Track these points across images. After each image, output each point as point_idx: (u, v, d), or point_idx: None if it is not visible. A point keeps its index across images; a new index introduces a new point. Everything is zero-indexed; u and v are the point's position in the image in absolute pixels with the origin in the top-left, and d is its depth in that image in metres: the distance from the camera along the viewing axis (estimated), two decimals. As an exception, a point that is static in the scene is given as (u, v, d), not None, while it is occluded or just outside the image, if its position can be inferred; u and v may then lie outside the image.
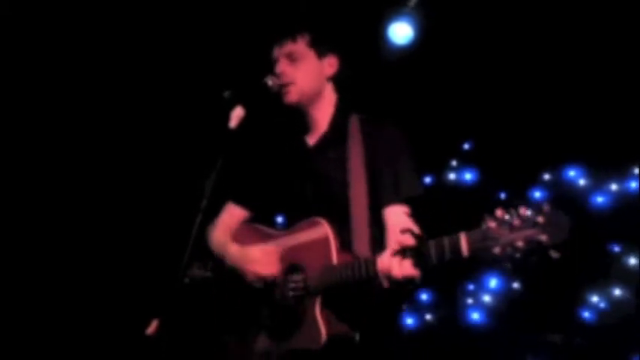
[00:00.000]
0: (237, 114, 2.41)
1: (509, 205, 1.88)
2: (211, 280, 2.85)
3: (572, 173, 4.86)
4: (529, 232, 1.82)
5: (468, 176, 5.26)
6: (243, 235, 2.75)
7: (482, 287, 5.03)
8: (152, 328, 2.14)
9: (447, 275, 5.01)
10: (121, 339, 3.89)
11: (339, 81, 2.73)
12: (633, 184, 4.63)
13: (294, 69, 2.62)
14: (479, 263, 1.97)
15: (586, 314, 4.64)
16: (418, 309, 5.22)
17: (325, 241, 2.39)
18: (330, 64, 2.69)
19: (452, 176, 5.32)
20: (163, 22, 4.44)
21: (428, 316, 5.20)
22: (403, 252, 2.12)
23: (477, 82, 4.84)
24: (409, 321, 5.16)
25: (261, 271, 2.51)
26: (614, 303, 4.57)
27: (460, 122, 5.06)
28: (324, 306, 2.35)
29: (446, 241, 2.03)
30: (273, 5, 4.30)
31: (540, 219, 1.81)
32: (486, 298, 5.00)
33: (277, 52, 2.67)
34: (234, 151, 2.36)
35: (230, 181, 2.46)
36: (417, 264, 2.10)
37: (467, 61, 4.74)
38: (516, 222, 1.84)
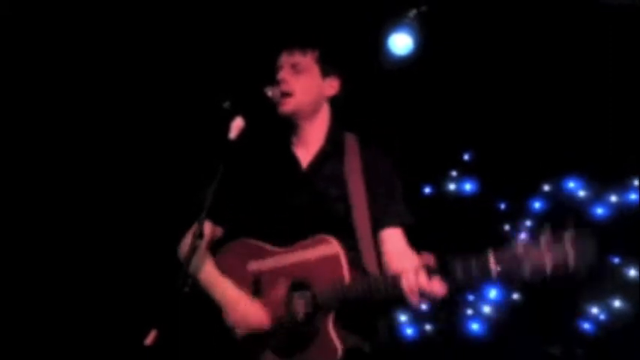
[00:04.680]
0: (237, 124, 2.41)
1: (538, 227, 1.92)
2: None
3: (572, 184, 4.85)
4: (557, 255, 1.85)
5: (468, 187, 5.24)
6: (236, 252, 2.66)
7: (482, 298, 5.01)
8: (151, 338, 2.12)
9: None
10: (119, 349, 3.87)
11: (335, 102, 2.72)
12: (633, 196, 4.62)
13: (296, 79, 2.60)
14: (504, 283, 2.04)
15: (586, 325, 4.62)
16: (417, 319, 5.20)
17: (336, 258, 2.38)
18: (332, 86, 2.69)
19: (452, 187, 5.32)
20: (164, 32, 4.45)
21: (427, 327, 5.18)
22: (429, 271, 2.17)
23: (478, 92, 4.85)
24: (409, 331, 5.15)
25: (252, 323, 2.47)
26: (614, 314, 4.56)
27: (460, 132, 5.06)
28: (336, 321, 2.35)
29: (473, 260, 2.05)
30: (276, 17, 4.33)
31: (568, 243, 1.84)
32: (486, 309, 4.98)
33: (284, 59, 2.66)
34: (234, 163, 2.35)
35: (212, 198, 2.38)
36: (444, 282, 2.16)
37: (467, 71, 4.75)
38: (544, 245, 1.88)
